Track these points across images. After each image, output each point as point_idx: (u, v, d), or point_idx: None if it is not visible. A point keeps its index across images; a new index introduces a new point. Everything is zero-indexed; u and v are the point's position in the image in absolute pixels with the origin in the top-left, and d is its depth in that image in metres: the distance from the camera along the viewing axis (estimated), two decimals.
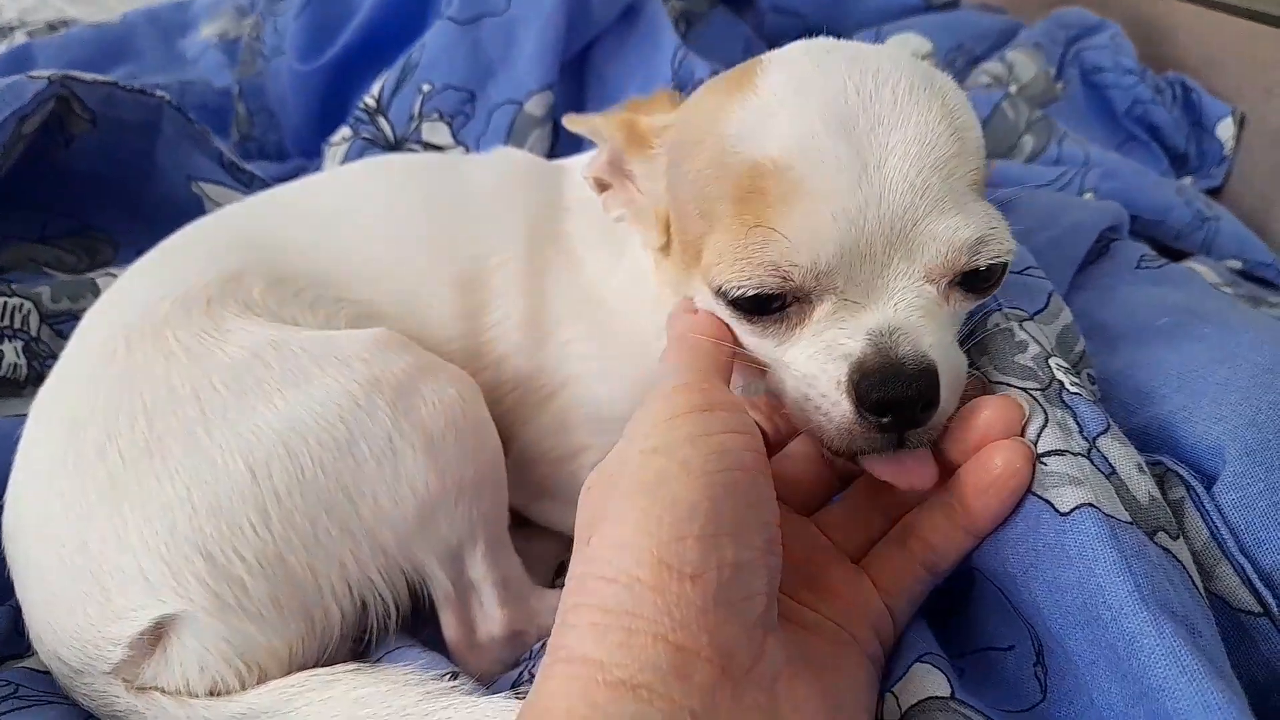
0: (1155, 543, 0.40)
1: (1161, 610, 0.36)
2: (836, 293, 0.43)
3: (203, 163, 0.86)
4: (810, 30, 1.10)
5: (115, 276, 0.66)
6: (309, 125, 1.03)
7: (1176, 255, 0.86)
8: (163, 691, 0.48)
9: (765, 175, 0.42)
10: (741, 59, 0.50)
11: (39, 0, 1.64)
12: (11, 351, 0.68)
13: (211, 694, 0.48)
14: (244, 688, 0.48)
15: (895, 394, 0.41)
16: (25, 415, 0.55)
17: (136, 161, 0.84)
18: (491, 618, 0.56)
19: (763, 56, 0.48)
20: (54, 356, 0.58)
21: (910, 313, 0.43)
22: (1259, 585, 0.41)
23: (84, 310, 0.60)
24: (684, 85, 0.87)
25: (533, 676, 0.43)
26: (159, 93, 0.84)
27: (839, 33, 1.16)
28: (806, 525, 0.47)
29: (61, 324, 0.71)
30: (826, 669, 0.39)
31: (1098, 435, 0.43)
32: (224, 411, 0.50)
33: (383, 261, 0.63)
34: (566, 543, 0.38)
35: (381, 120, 0.92)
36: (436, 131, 0.90)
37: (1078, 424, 0.43)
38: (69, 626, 0.48)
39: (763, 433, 0.47)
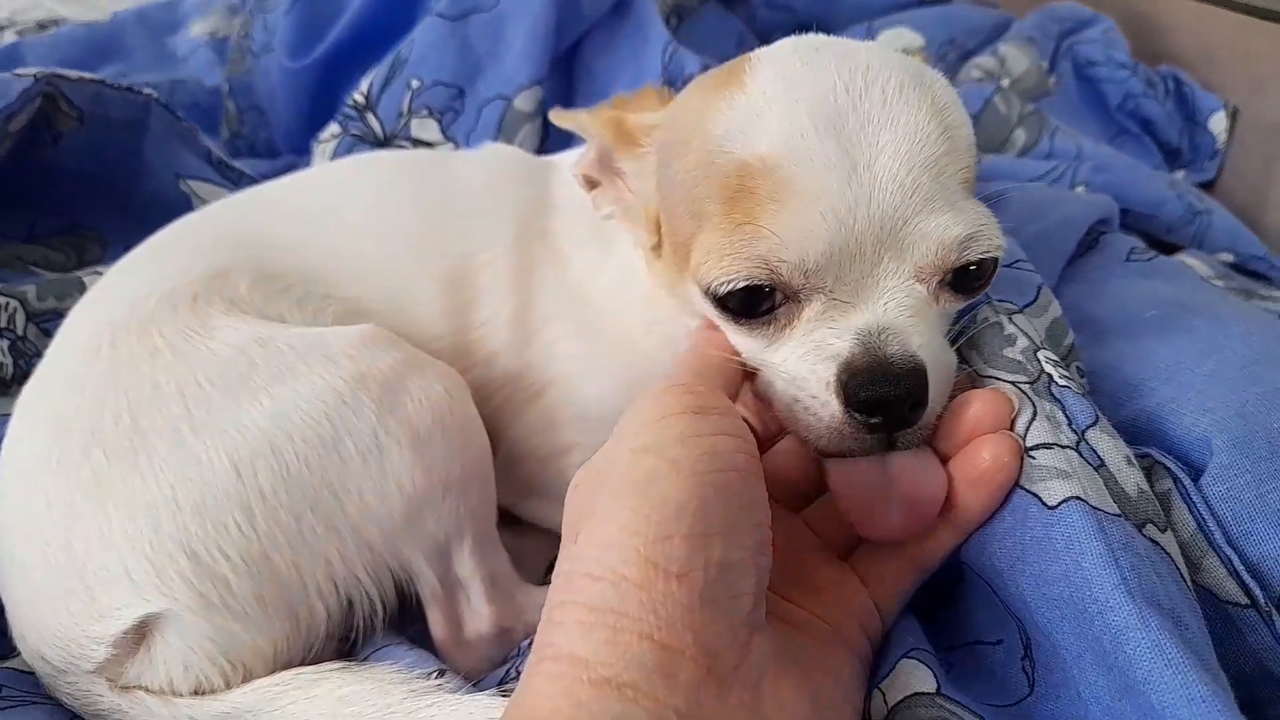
0: (1144, 535, 0.40)
1: (1148, 603, 0.36)
2: (825, 292, 0.43)
3: (191, 161, 0.86)
4: (802, 25, 1.09)
5: (102, 275, 0.65)
6: (299, 122, 1.02)
7: (1169, 249, 0.86)
8: (147, 690, 0.48)
9: (754, 175, 0.42)
10: (733, 54, 0.50)
11: (30, 0, 1.64)
12: None
13: (196, 693, 0.48)
14: (229, 687, 0.48)
15: (883, 393, 0.41)
16: (10, 414, 0.55)
17: (124, 159, 0.83)
18: (479, 615, 0.56)
19: (751, 54, 0.48)
20: (40, 355, 0.57)
21: (900, 312, 0.43)
22: (1246, 577, 0.41)
23: (70, 309, 0.59)
24: (674, 80, 0.87)
25: (520, 674, 0.43)
26: (146, 90, 0.84)
27: (831, 27, 1.17)
28: (795, 522, 0.47)
29: (48, 323, 0.70)
30: (813, 667, 0.39)
31: (1086, 428, 0.43)
32: (209, 409, 0.50)
33: (371, 258, 0.62)
34: (556, 540, 0.38)
35: (370, 117, 0.91)
36: (426, 128, 0.90)
37: (1066, 417, 0.43)
38: (52, 625, 0.48)
39: (752, 430, 0.47)
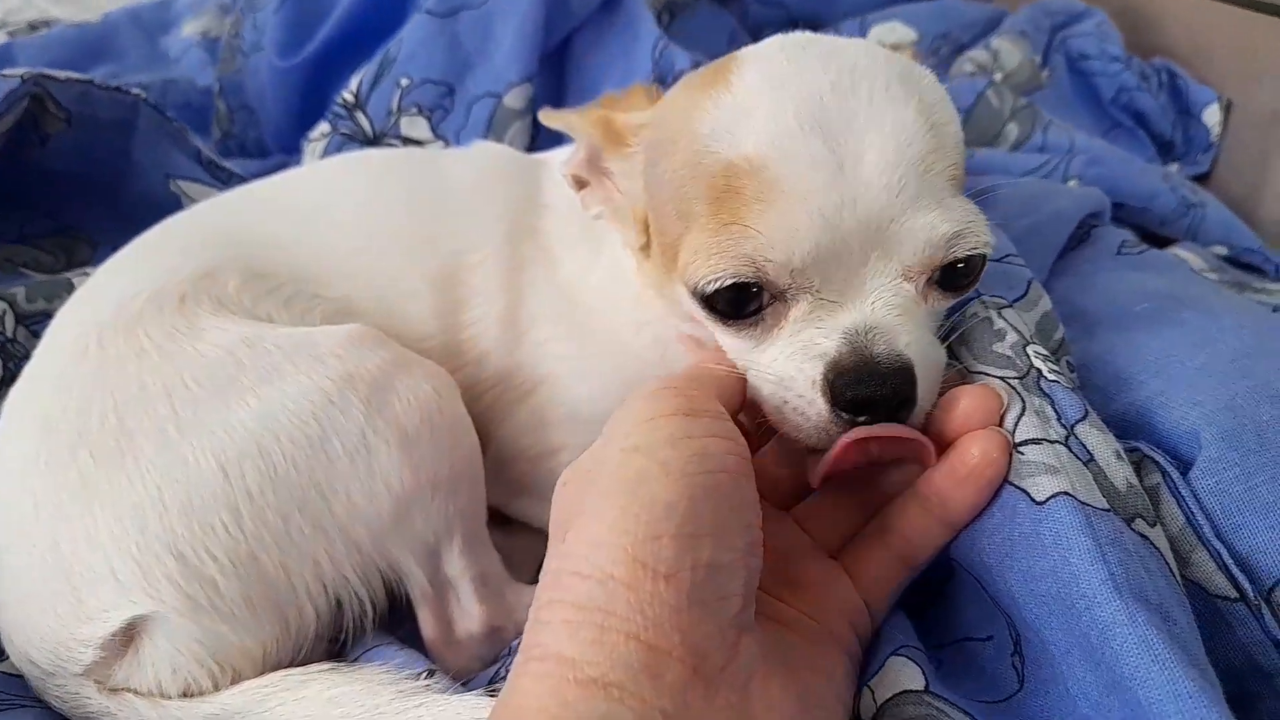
0: (1132, 530, 0.40)
1: (1135, 598, 0.36)
2: (812, 292, 0.43)
3: (181, 160, 0.85)
4: (795, 21, 1.09)
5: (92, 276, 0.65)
6: (289, 121, 1.02)
7: (1162, 242, 0.85)
8: (135, 693, 0.48)
9: (740, 175, 0.42)
10: (725, 50, 0.50)
11: (22, 1, 1.63)
12: None
13: (184, 695, 0.48)
14: (217, 688, 0.48)
15: (870, 393, 0.41)
16: None
17: (113, 160, 0.83)
18: (469, 614, 0.55)
19: (738, 53, 0.48)
20: (29, 358, 0.57)
21: (887, 311, 0.42)
22: (1235, 571, 0.41)
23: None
24: (665, 76, 0.87)
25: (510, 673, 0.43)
26: (134, 90, 0.84)
27: (824, 22, 1.16)
28: (785, 521, 0.47)
29: (37, 324, 0.70)
30: (802, 666, 0.39)
31: (1076, 422, 0.43)
32: (196, 409, 0.49)
33: (359, 257, 0.62)
34: (547, 539, 0.38)
35: (360, 115, 0.91)
36: (415, 126, 0.90)
37: (1056, 411, 0.43)
38: (40, 628, 0.48)
39: (745, 432, 0.47)
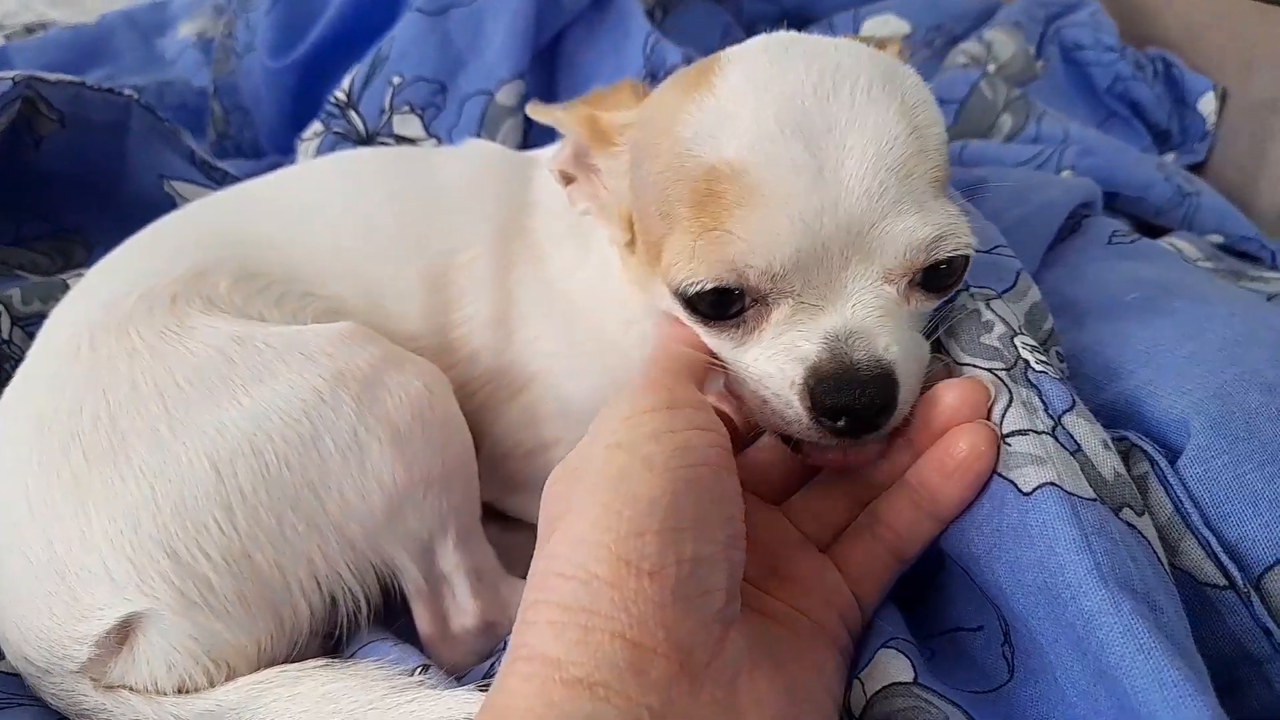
0: (1120, 519, 0.40)
1: (1121, 588, 0.36)
2: (794, 296, 0.43)
3: (174, 161, 0.85)
4: (788, 15, 1.09)
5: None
6: (283, 122, 1.02)
7: (1158, 232, 0.85)
8: (131, 690, 0.48)
9: (722, 179, 0.42)
10: (719, 46, 0.50)
11: (19, 3, 1.63)
12: None
13: (180, 691, 0.48)
14: (212, 685, 0.48)
15: (848, 401, 0.41)
16: None
17: (107, 161, 0.83)
18: (464, 609, 0.56)
19: (722, 53, 0.48)
20: (24, 359, 0.57)
21: (868, 314, 0.43)
22: (1224, 559, 0.41)
23: None
24: (656, 72, 0.86)
25: None
26: (127, 91, 0.84)
27: (817, 16, 1.15)
28: (774, 515, 0.47)
29: (32, 326, 0.70)
30: (791, 661, 0.39)
31: (1063, 413, 0.43)
32: (187, 409, 0.50)
33: (351, 256, 0.62)
34: None
35: (353, 114, 0.91)
36: (408, 124, 0.90)
37: (1043, 402, 0.43)
38: (35, 626, 0.48)
39: (732, 426, 0.47)
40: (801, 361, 0.43)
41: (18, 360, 0.60)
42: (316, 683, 0.48)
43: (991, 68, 1.02)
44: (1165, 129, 1.01)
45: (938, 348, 0.47)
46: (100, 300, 0.55)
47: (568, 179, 0.56)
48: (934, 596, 0.48)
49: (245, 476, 0.49)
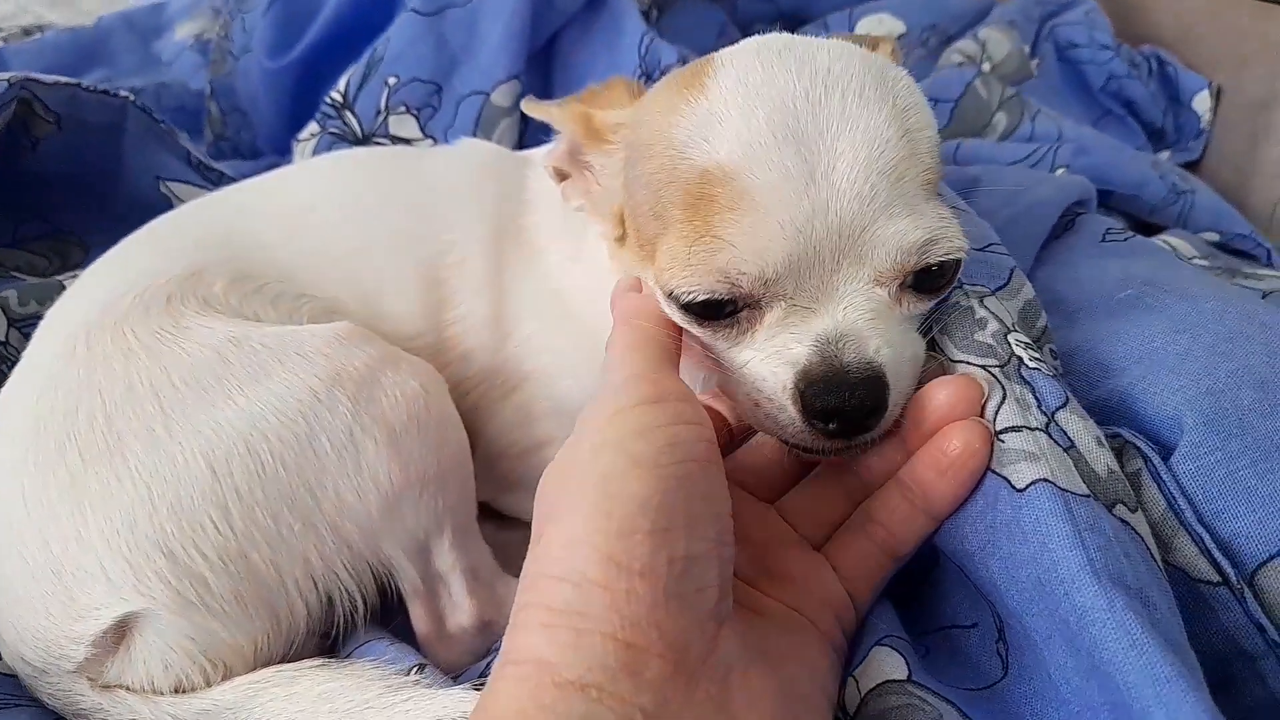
0: (1113, 515, 0.40)
1: (1114, 584, 0.36)
2: (786, 299, 0.43)
3: (171, 162, 0.85)
4: (783, 15, 1.09)
5: None
6: (280, 122, 1.02)
7: (1153, 230, 0.85)
8: (127, 689, 0.48)
9: (714, 183, 0.42)
10: (715, 45, 0.50)
11: (17, 6, 1.63)
12: None
13: (176, 691, 0.48)
14: (209, 684, 0.48)
15: (838, 404, 0.42)
16: None
17: (103, 163, 0.83)
18: (460, 608, 0.56)
19: (715, 55, 0.48)
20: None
21: (859, 317, 0.43)
22: (1217, 555, 0.41)
23: None
24: (651, 72, 0.87)
25: None
26: (123, 93, 0.84)
27: (812, 16, 1.15)
28: (768, 512, 0.47)
29: (29, 327, 0.70)
30: (785, 658, 0.39)
31: (1056, 409, 0.43)
32: (183, 409, 0.50)
33: (346, 257, 0.62)
34: None
35: (349, 115, 0.91)
36: (404, 125, 0.90)
37: (1036, 399, 0.43)
38: (32, 626, 0.48)
39: (726, 425, 0.47)
40: (793, 365, 0.43)
41: (14, 361, 0.60)
42: (313, 682, 0.48)
43: (986, 67, 1.02)
44: (1160, 127, 1.02)
45: (932, 346, 0.47)
46: (96, 300, 0.55)
47: (562, 175, 0.56)
48: (929, 593, 0.48)
49: (241, 476, 0.49)
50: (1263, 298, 0.66)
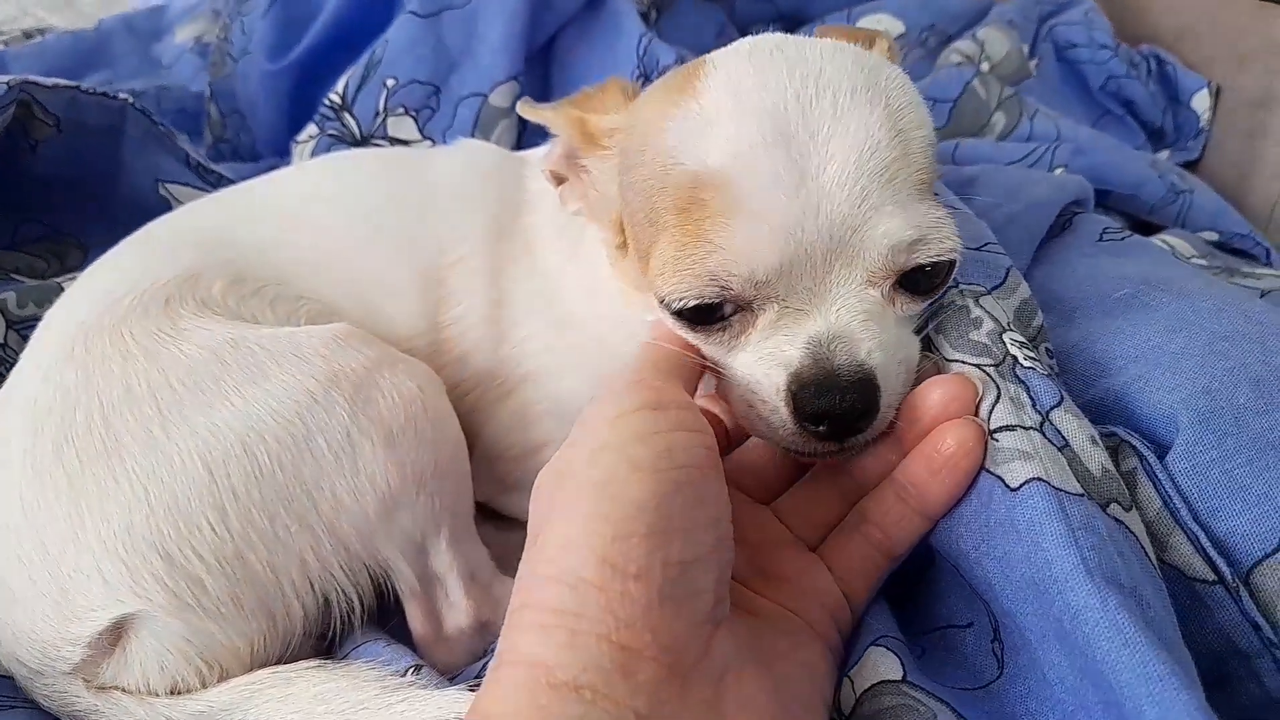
0: (1107, 514, 0.40)
1: (1107, 583, 0.36)
2: (779, 301, 0.43)
3: (170, 164, 0.86)
4: (782, 16, 1.09)
5: None
6: (280, 124, 1.02)
7: (1152, 229, 0.85)
8: (123, 690, 0.48)
9: (705, 187, 0.42)
10: (714, 45, 0.50)
11: (19, 9, 1.64)
12: None
13: (172, 692, 0.48)
14: (205, 686, 0.48)
15: (828, 406, 0.42)
16: None
17: (103, 165, 0.83)
18: (458, 609, 0.56)
19: (708, 57, 0.48)
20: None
21: (852, 318, 0.43)
22: (1212, 553, 0.41)
23: None
24: (650, 73, 0.87)
25: None
26: (122, 95, 0.84)
27: (810, 16, 1.15)
28: (764, 514, 0.47)
29: (28, 329, 0.70)
30: (779, 659, 0.39)
31: (1051, 409, 0.43)
32: (181, 410, 0.50)
33: (343, 258, 0.63)
34: None
35: (347, 117, 0.91)
36: (402, 126, 0.90)
37: (1031, 398, 0.43)
38: (27, 627, 0.48)
39: (722, 428, 0.47)
40: (785, 367, 0.43)
41: (13, 363, 0.60)
42: (308, 683, 0.48)
43: (985, 66, 1.02)
44: (1159, 127, 1.02)
45: (927, 345, 0.47)
46: (94, 302, 0.56)
47: (559, 179, 0.56)
48: (925, 593, 0.48)
49: (238, 477, 0.49)
50: (1261, 296, 0.65)
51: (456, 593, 0.56)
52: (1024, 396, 0.43)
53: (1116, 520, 0.40)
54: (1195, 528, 0.42)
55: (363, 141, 0.92)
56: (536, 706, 0.31)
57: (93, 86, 0.83)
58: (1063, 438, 0.42)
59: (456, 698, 0.44)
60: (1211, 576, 0.41)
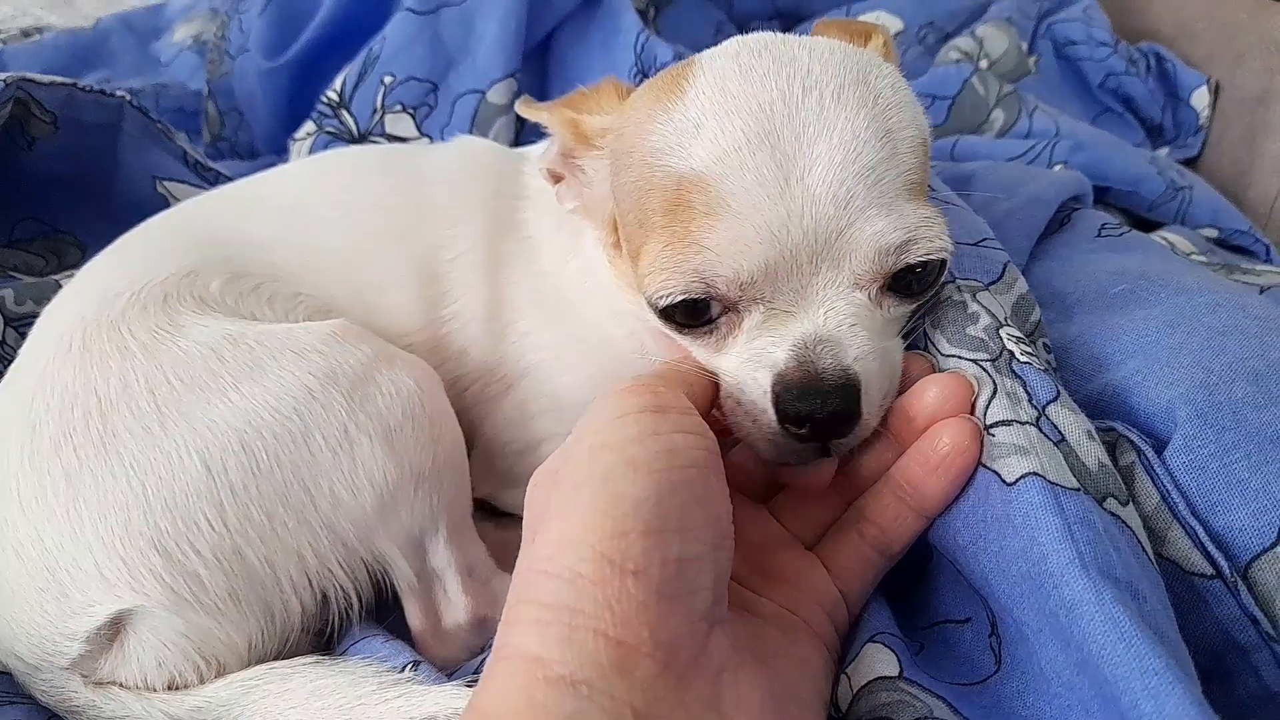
0: (1104, 509, 0.40)
1: (1103, 577, 0.36)
2: (765, 303, 0.43)
3: (167, 162, 0.86)
4: (780, 12, 1.09)
5: None
6: (278, 122, 1.02)
7: (1151, 226, 0.85)
8: (121, 686, 0.48)
9: (691, 189, 0.42)
10: (712, 43, 0.50)
11: (15, 8, 1.64)
12: None
13: (170, 688, 0.48)
14: (202, 681, 0.48)
15: (811, 409, 0.42)
16: None
17: (100, 162, 0.83)
18: (456, 605, 0.56)
19: (696, 57, 0.48)
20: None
21: (839, 321, 0.43)
22: (1210, 548, 0.41)
23: None
24: (648, 70, 0.87)
25: None
26: (119, 92, 0.84)
27: (808, 13, 1.15)
28: (760, 513, 0.47)
29: (26, 326, 0.70)
30: (776, 658, 0.39)
31: (1047, 403, 0.43)
32: (178, 407, 0.50)
33: (341, 255, 0.63)
34: None
35: (345, 114, 0.91)
36: (400, 123, 0.90)
37: (1027, 393, 0.43)
38: (26, 623, 0.48)
39: (720, 428, 0.47)
40: (771, 369, 0.43)
41: (11, 360, 0.60)
42: (306, 679, 0.48)
43: (983, 63, 1.02)
44: (1158, 124, 1.02)
45: (924, 339, 0.47)
46: (93, 299, 0.56)
47: (556, 177, 0.56)
48: (923, 588, 0.48)
49: (236, 473, 0.49)
50: (1260, 293, 0.65)
51: (454, 589, 0.56)
52: (1020, 391, 0.43)
53: (1113, 515, 0.40)
54: (1193, 522, 0.42)
55: (360, 139, 0.92)
56: (533, 702, 0.31)
57: (90, 84, 0.83)
58: (1059, 432, 0.42)
59: (454, 693, 0.44)
60: (1209, 571, 0.41)
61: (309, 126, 0.94)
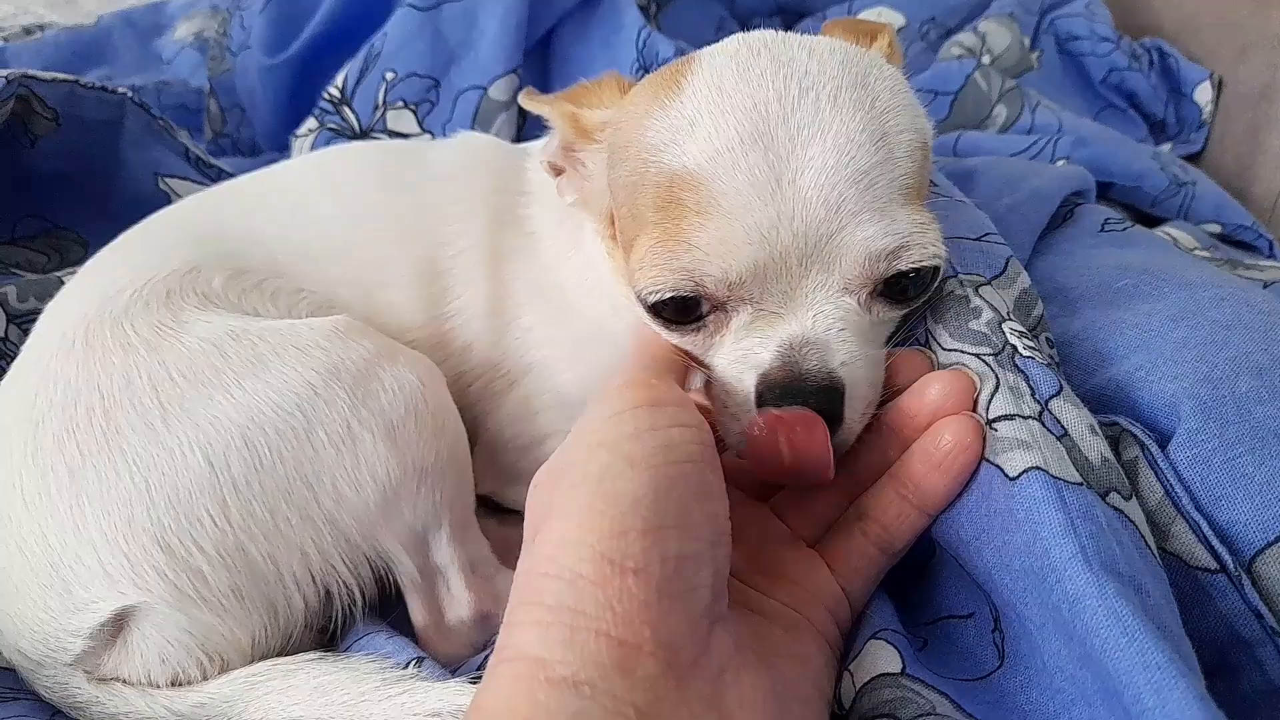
0: (1107, 503, 0.39)
1: (1105, 571, 0.36)
2: (753, 303, 0.43)
3: (169, 159, 0.86)
4: (782, 9, 1.09)
5: None
6: (279, 119, 1.02)
7: (1154, 222, 0.85)
8: (124, 682, 0.48)
9: (683, 186, 0.42)
10: (714, 39, 0.50)
11: (17, 6, 1.64)
12: None
13: (173, 684, 0.48)
14: (205, 677, 0.48)
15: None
16: None
17: (102, 159, 0.83)
18: (459, 601, 0.56)
19: (696, 54, 0.48)
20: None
21: (826, 325, 0.43)
22: (1214, 542, 0.41)
23: None
24: (650, 66, 0.87)
25: None
26: (121, 89, 0.84)
27: (810, 10, 1.15)
28: (762, 511, 0.47)
29: (28, 323, 0.70)
30: (778, 656, 0.39)
31: (1050, 398, 0.43)
32: (181, 403, 0.50)
33: (344, 251, 0.63)
34: None
35: (346, 110, 0.91)
36: (402, 119, 0.90)
37: (1030, 387, 0.43)
38: (29, 619, 0.48)
39: (715, 424, 0.47)
40: (756, 369, 0.43)
41: (13, 357, 0.60)
42: (309, 675, 0.48)
43: (986, 59, 1.02)
44: (1161, 119, 1.01)
45: (925, 336, 0.47)
46: (95, 295, 0.56)
47: (557, 170, 0.56)
48: (926, 584, 0.48)
49: (239, 469, 0.49)
50: (1264, 288, 0.65)
51: (457, 585, 0.56)
52: (1023, 386, 0.43)
53: (1116, 509, 0.40)
54: (1197, 516, 0.42)
55: (362, 135, 0.92)
56: (535, 702, 0.31)
57: (92, 81, 0.83)
58: (1061, 427, 0.42)
59: (458, 690, 0.44)
60: (1213, 565, 0.41)
61: (310, 123, 0.94)
